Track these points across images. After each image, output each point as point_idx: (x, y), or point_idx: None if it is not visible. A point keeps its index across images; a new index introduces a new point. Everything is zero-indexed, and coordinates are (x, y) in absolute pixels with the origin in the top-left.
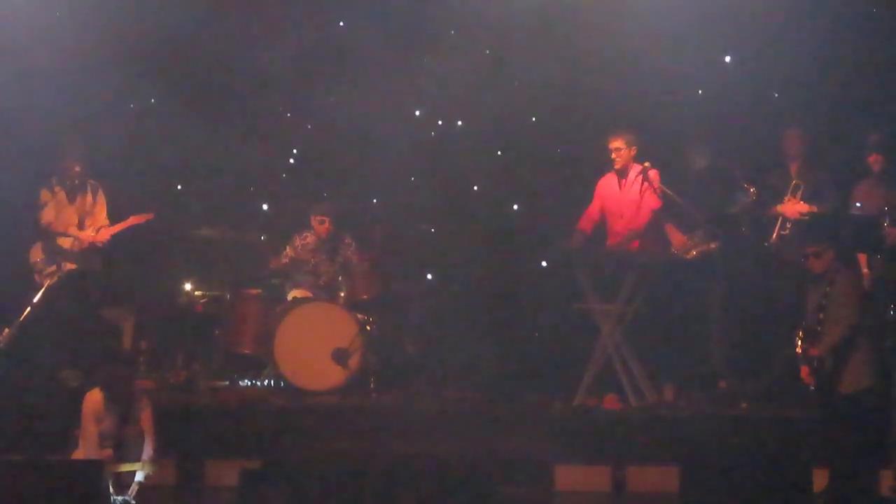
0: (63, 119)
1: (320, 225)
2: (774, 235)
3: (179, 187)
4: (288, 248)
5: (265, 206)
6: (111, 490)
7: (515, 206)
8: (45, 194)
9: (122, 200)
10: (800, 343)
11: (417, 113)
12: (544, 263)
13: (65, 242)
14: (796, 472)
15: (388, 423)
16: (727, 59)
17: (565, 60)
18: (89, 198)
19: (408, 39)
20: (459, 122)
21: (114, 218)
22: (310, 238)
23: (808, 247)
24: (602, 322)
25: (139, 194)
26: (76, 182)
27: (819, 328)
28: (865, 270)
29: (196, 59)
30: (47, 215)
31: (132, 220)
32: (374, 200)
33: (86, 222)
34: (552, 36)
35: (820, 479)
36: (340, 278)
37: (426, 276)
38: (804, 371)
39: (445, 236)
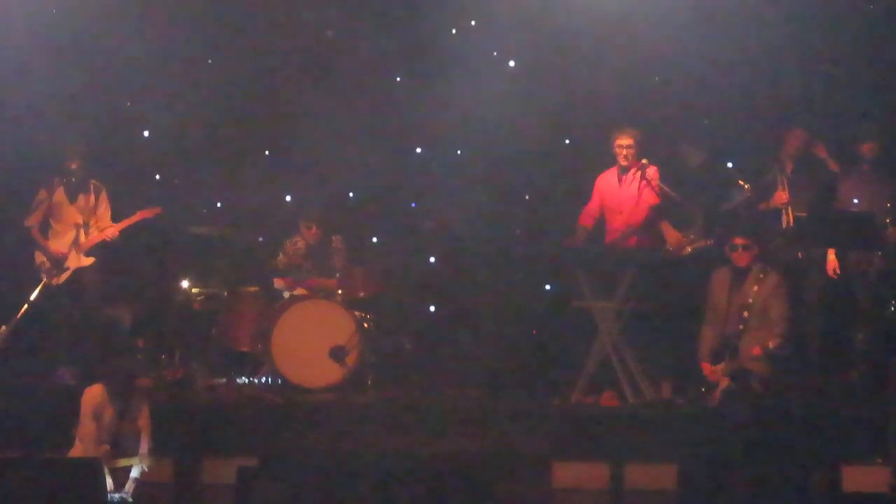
0: (64, 116)
1: (308, 230)
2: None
3: (177, 183)
4: (280, 254)
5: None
6: (108, 488)
7: (514, 203)
8: (42, 194)
9: (125, 199)
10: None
11: (415, 105)
12: (548, 287)
13: (62, 245)
14: (794, 470)
15: (385, 420)
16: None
17: (564, 57)
18: (91, 197)
19: (406, 45)
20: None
21: (117, 217)
22: (300, 243)
23: (737, 237)
24: (600, 319)
25: (139, 192)
26: (77, 181)
27: (742, 326)
28: (833, 261)
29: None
30: (31, 218)
31: (140, 215)
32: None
33: (90, 222)
34: (552, 34)
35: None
36: (338, 275)
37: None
38: (707, 368)
39: (443, 234)
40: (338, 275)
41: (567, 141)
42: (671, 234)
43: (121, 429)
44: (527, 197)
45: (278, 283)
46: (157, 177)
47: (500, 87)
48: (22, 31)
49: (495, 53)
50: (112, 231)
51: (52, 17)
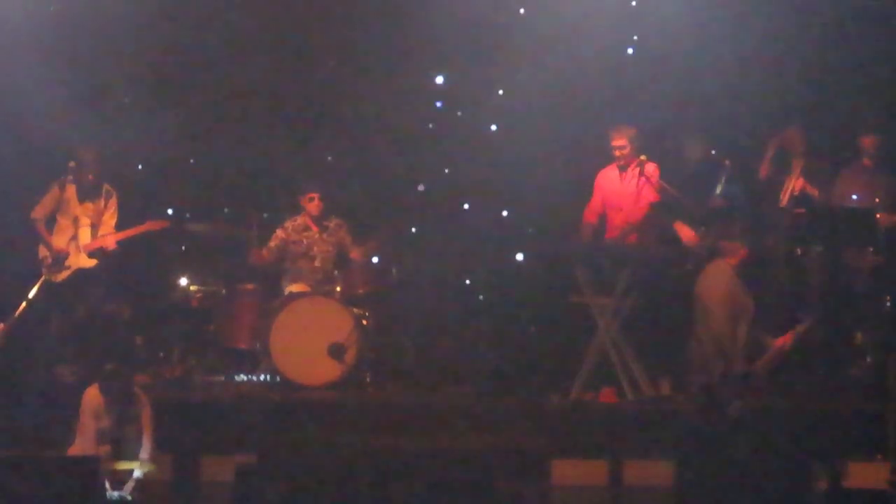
0: (73, 115)
1: (310, 202)
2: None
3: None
4: (279, 230)
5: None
6: (107, 486)
7: (513, 201)
8: (53, 189)
9: (131, 205)
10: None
11: (414, 107)
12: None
13: (62, 242)
14: (793, 467)
15: (384, 417)
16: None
17: (563, 53)
18: (101, 201)
19: (405, 34)
20: (459, 113)
21: (121, 225)
22: (300, 220)
23: (734, 234)
24: (599, 316)
25: (143, 196)
26: (91, 182)
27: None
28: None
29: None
30: (38, 211)
31: (148, 226)
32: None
33: (97, 224)
34: (550, 30)
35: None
36: (336, 273)
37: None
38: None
39: (442, 230)
40: (336, 272)
41: (567, 138)
42: (686, 233)
43: (122, 430)
44: (526, 194)
45: (291, 287)
46: (170, 211)
47: (499, 87)
48: (41, 28)
49: (495, 53)
50: (111, 241)
51: (67, 16)
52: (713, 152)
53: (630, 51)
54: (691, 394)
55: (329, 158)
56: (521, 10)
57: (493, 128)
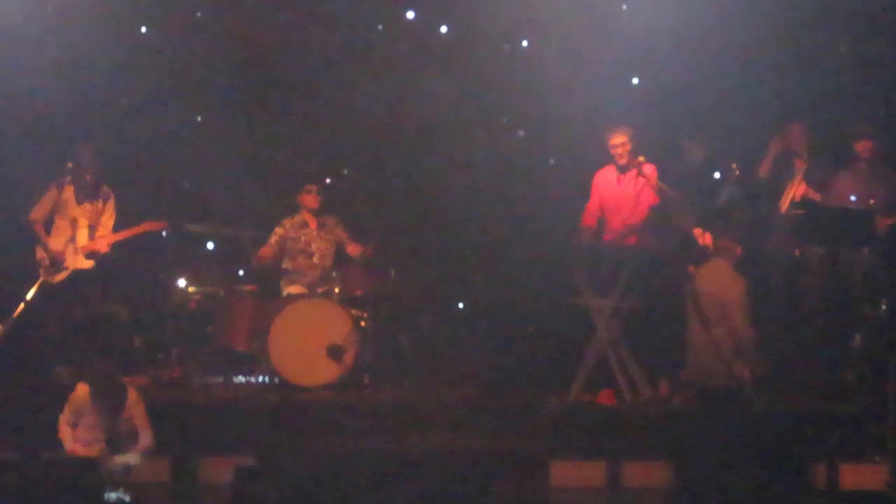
0: (74, 115)
1: (307, 195)
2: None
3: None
4: (277, 228)
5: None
6: (104, 487)
7: (511, 202)
8: (52, 190)
9: (129, 205)
10: None
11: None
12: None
13: (60, 243)
14: (792, 467)
15: (382, 419)
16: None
17: (561, 53)
18: (99, 203)
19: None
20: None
21: (120, 226)
22: (298, 218)
23: (729, 236)
24: (597, 317)
25: (143, 197)
26: (89, 183)
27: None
28: None
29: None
30: (36, 212)
31: (146, 226)
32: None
33: (94, 226)
34: (547, 29)
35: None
36: (335, 272)
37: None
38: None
39: (440, 231)
40: (334, 273)
41: (565, 140)
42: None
43: (116, 427)
44: (525, 195)
45: (290, 289)
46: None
47: (498, 87)
48: (40, 28)
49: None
50: (103, 244)
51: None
52: (714, 155)
53: (635, 80)
54: (691, 395)
55: (327, 157)
56: (525, 43)
57: (493, 126)
